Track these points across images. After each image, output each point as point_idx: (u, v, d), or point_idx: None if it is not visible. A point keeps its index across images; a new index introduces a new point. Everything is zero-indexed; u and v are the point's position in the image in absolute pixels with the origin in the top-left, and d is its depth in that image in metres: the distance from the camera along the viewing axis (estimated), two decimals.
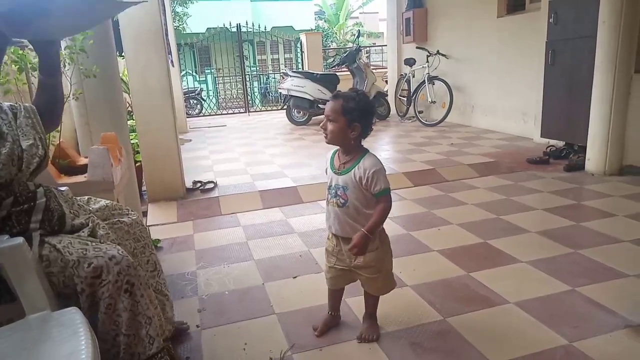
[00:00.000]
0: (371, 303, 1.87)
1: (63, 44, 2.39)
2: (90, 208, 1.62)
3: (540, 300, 2.01)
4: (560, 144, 4.74)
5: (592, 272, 2.26)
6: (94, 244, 1.36)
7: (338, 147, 1.72)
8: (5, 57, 2.19)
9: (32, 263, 1.24)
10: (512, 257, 2.46)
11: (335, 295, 1.91)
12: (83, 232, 1.41)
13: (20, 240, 1.21)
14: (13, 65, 2.22)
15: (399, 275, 2.33)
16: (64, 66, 2.41)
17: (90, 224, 1.45)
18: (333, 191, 1.69)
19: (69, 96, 2.41)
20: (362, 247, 1.61)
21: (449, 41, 6.95)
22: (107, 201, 1.73)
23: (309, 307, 2.09)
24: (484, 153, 4.82)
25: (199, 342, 1.89)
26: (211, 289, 2.33)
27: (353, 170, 1.64)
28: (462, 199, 3.52)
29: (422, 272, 2.37)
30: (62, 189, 1.57)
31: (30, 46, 2.52)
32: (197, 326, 2.00)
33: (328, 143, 1.67)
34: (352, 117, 1.59)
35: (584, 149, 4.27)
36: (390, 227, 3.03)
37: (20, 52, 2.25)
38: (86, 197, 1.70)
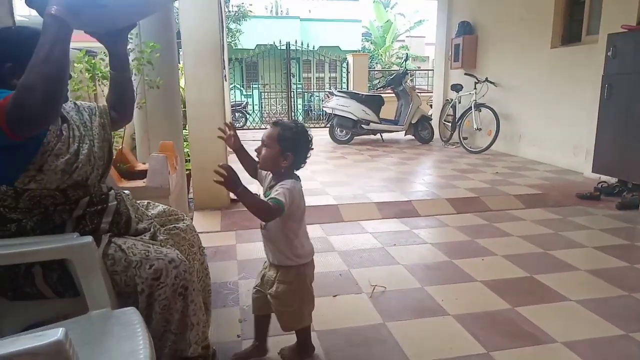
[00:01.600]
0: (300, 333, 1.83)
1: (132, 55, 2.53)
2: (150, 213, 1.69)
3: (591, 343, 1.93)
4: (612, 180, 4.57)
5: None
6: (155, 246, 1.42)
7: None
8: (80, 66, 2.35)
9: (98, 262, 1.30)
10: (560, 295, 2.37)
11: (259, 322, 1.85)
12: (145, 235, 1.49)
13: (89, 239, 1.29)
14: (86, 74, 2.37)
15: (441, 303, 2.29)
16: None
17: (152, 229, 1.52)
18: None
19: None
20: (227, 181, 1.41)
21: (498, 69, 6.87)
22: (164, 206, 1.81)
23: (348, 327, 2.09)
24: (530, 184, 4.70)
25: None
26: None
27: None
28: (507, 230, 3.43)
29: (465, 301, 2.32)
30: (126, 192, 1.66)
31: (101, 56, 2.70)
32: (238, 336, 2.03)
33: (259, 168, 1.68)
34: (286, 146, 1.58)
35: (638, 187, 4.10)
36: (432, 253, 3.00)
37: (93, 61, 2.40)
38: (145, 202, 1.79)
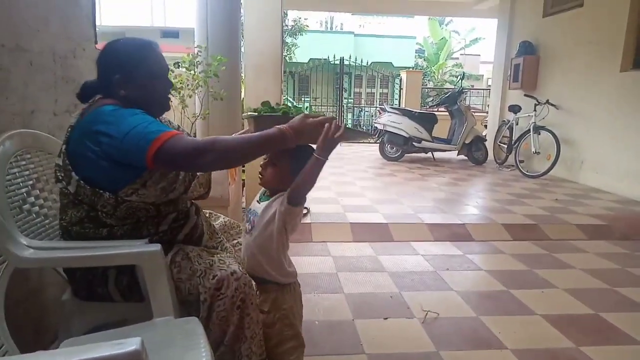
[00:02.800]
0: None
1: (199, 68, 2.63)
2: (213, 223, 1.72)
3: None
4: None
5: None
6: (218, 256, 1.44)
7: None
8: None
9: (166, 269, 1.33)
10: (629, 337, 2.21)
11: None
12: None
13: (158, 247, 1.32)
14: None
15: (498, 336, 2.19)
16: (197, 87, 2.63)
17: (219, 248, 1.55)
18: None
19: (198, 115, 2.63)
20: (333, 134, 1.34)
21: (560, 91, 6.60)
22: (226, 218, 1.84)
23: (400, 353, 2.03)
24: (593, 214, 4.45)
25: None
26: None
27: (270, 202, 1.50)
28: (569, 262, 3.25)
29: (523, 335, 2.20)
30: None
31: (171, 67, 2.81)
32: None
33: (261, 185, 1.59)
34: (299, 165, 1.43)
35: None
36: (487, 281, 2.89)
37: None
38: (208, 212, 1.82)
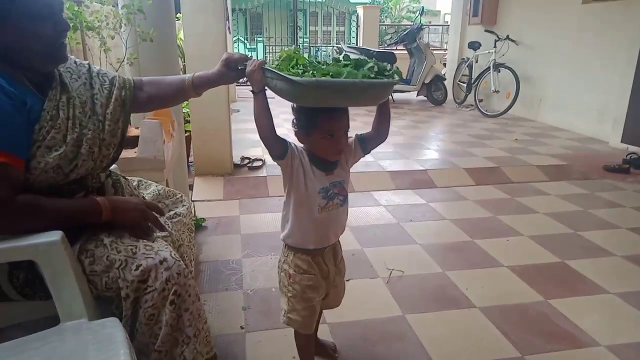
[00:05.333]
0: None
1: (120, 2, 2.20)
2: (143, 195, 1.44)
3: (638, 348, 1.72)
4: None
5: None
6: (145, 241, 1.18)
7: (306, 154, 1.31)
8: None
9: (73, 262, 1.06)
10: (597, 286, 2.15)
11: (313, 342, 1.54)
12: None
13: (57, 236, 1.03)
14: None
15: (465, 293, 2.08)
16: (120, 27, 2.22)
17: None
18: (328, 193, 1.32)
19: (123, 60, 2.23)
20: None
21: (521, 26, 6.39)
22: (159, 186, 1.55)
23: (364, 320, 1.88)
24: (552, 154, 4.41)
25: (243, 347, 1.71)
26: (257, 283, 2.15)
27: (340, 160, 1.34)
28: (532, 206, 3.18)
29: (492, 291, 2.10)
30: (112, 167, 1.39)
31: (86, 3, 2.36)
32: (242, 327, 1.82)
33: (334, 159, 1.32)
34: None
35: None
36: (452, 231, 2.77)
37: (76, 9, 2.08)
38: (136, 180, 1.53)
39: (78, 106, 1.18)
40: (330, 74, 1.15)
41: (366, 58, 1.29)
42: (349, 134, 1.35)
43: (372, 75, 1.19)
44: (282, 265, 1.40)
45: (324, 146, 1.27)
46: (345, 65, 1.23)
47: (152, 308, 1.11)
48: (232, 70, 1.32)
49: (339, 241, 1.47)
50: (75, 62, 1.28)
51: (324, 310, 1.59)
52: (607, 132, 4.86)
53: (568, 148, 4.68)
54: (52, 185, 1.10)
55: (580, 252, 2.49)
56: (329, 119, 1.24)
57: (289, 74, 1.13)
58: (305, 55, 1.32)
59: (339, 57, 1.29)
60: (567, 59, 5.56)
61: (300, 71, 1.18)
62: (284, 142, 1.27)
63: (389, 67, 1.25)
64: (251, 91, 1.23)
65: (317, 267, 1.37)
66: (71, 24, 2.08)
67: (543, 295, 2.05)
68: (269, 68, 1.20)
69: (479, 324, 1.86)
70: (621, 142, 4.40)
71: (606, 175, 3.89)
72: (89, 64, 1.32)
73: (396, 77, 1.23)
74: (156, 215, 1.25)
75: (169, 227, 1.40)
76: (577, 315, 1.90)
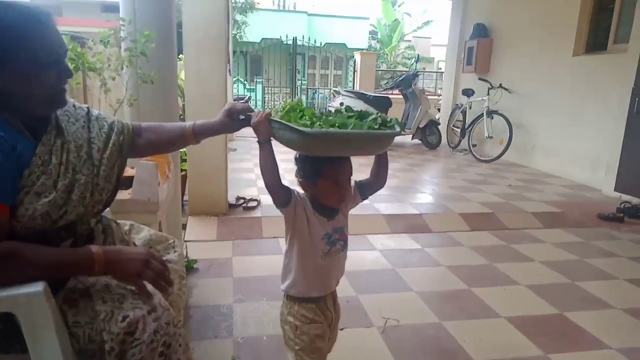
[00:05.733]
0: None
1: (123, 45, 2.24)
2: (133, 239, 1.41)
3: None
4: (635, 200, 4.29)
5: None
6: (133, 288, 1.13)
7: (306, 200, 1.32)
8: None
9: (53, 316, 1.01)
10: (597, 340, 2.09)
11: None
12: None
13: (40, 287, 0.98)
14: (69, 64, 2.07)
15: (462, 345, 2.02)
16: (122, 69, 2.25)
17: None
18: (330, 239, 1.33)
19: (122, 101, 2.25)
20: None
21: (513, 75, 6.57)
22: (151, 231, 1.52)
23: None
24: (547, 201, 4.42)
25: None
26: (248, 330, 2.08)
27: (341, 206, 1.36)
28: (528, 254, 3.15)
29: (489, 343, 2.04)
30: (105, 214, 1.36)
31: (89, 44, 2.40)
32: None
33: (338, 206, 1.34)
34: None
35: None
36: (448, 278, 2.73)
37: (79, 50, 2.11)
38: (128, 224, 1.50)
39: (73, 151, 1.16)
40: (337, 125, 1.19)
41: (366, 107, 1.33)
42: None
43: (376, 127, 1.23)
44: (287, 317, 1.37)
45: (330, 193, 1.29)
46: (350, 117, 1.26)
47: None
48: (235, 120, 1.33)
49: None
50: (74, 106, 1.28)
51: None
52: (600, 180, 4.90)
53: (562, 195, 4.70)
54: (38, 231, 1.07)
55: (579, 304, 2.45)
56: (335, 167, 1.27)
57: (297, 125, 1.17)
58: (303, 98, 1.36)
59: (341, 109, 1.31)
60: (559, 107, 5.68)
61: (308, 122, 1.20)
62: (288, 190, 1.29)
63: (389, 118, 1.28)
64: (257, 141, 1.25)
65: (322, 314, 1.36)
66: (73, 65, 2.11)
67: (542, 349, 2.00)
68: (275, 119, 1.22)
69: None
70: (614, 190, 4.43)
71: (601, 223, 3.89)
72: (88, 107, 1.31)
73: (397, 129, 1.25)
74: (162, 267, 1.16)
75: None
76: None
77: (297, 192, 1.32)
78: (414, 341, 2.04)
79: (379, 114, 1.29)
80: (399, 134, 1.26)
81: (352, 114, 1.30)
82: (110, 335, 1.04)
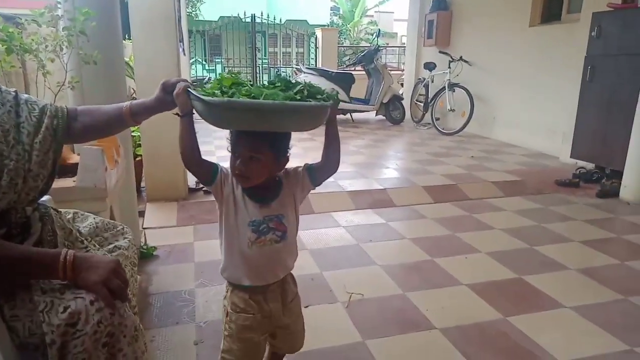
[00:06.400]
0: None
1: (61, 24, 2.10)
2: (78, 228, 1.33)
3: None
4: (589, 166, 4.44)
5: None
6: None
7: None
8: None
9: None
10: (553, 300, 2.16)
11: None
12: None
13: None
14: (0, 46, 1.93)
15: (425, 314, 2.04)
16: (61, 49, 2.11)
17: None
18: (260, 227, 1.22)
19: (63, 84, 2.12)
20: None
21: (473, 48, 6.63)
22: (97, 218, 1.45)
23: (323, 348, 1.81)
24: (507, 170, 4.52)
25: None
26: (210, 314, 2.04)
27: (283, 190, 1.26)
28: (489, 222, 3.22)
29: (452, 311, 2.08)
30: (44, 198, 1.29)
31: (24, 25, 2.24)
32: None
33: (247, 186, 1.21)
34: (283, 148, 1.22)
35: (617, 173, 3.97)
36: (411, 250, 2.75)
37: (10, 30, 1.96)
38: (71, 213, 1.42)
39: None
40: (252, 95, 1.07)
41: (329, 84, 1.24)
42: (299, 164, 1.32)
43: (298, 98, 1.10)
44: (223, 300, 1.33)
45: (231, 167, 1.19)
46: (275, 87, 1.15)
47: (83, 353, 1.00)
48: (169, 94, 1.25)
49: (292, 278, 1.39)
50: (0, 90, 1.18)
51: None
52: (557, 148, 5.04)
53: (522, 164, 4.82)
54: None
55: (537, 267, 2.52)
56: (236, 136, 1.17)
57: (202, 94, 1.07)
58: (265, 77, 1.26)
59: (274, 80, 1.22)
60: (518, 78, 5.78)
61: (219, 92, 1.10)
62: (211, 167, 1.20)
63: (323, 90, 1.18)
64: (176, 114, 1.16)
65: (256, 306, 1.26)
66: (5, 47, 1.96)
67: (502, 312, 2.05)
68: (190, 90, 1.13)
69: (440, 346, 1.82)
70: (570, 157, 4.56)
71: (559, 189, 4.01)
72: (16, 91, 1.22)
73: (329, 102, 1.14)
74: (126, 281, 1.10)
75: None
76: (535, 332, 1.90)
77: (227, 170, 1.22)
78: (378, 313, 2.06)
79: (309, 84, 1.17)
80: (321, 106, 1.12)
81: (278, 84, 1.17)
82: (51, 327, 0.98)
